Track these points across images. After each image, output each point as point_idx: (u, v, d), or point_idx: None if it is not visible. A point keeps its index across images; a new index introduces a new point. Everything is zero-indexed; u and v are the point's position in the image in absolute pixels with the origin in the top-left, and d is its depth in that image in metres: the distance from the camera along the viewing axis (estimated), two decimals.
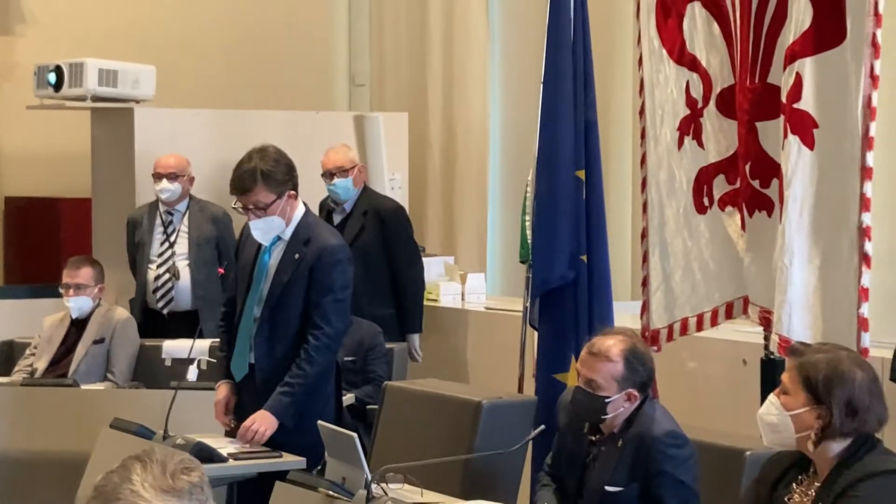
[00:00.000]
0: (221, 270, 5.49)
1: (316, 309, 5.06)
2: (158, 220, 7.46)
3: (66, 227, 9.11)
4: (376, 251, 7.19)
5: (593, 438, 4.38)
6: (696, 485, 4.25)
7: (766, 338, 4.98)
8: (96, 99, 8.36)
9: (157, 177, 7.40)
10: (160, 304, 7.39)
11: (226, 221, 7.49)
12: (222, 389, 5.26)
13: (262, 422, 4.97)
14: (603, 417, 4.29)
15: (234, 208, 5.19)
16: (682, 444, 4.25)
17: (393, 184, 8.96)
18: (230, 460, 4.89)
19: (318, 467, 4.56)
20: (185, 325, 7.26)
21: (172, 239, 7.42)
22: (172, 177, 7.37)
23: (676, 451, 4.23)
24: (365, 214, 7.28)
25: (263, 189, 5.06)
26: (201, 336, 6.04)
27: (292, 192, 5.13)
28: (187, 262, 7.40)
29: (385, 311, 7.20)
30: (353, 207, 7.30)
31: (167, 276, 7.39)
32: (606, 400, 4.28)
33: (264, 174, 5.05)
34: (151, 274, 7.41)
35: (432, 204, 9.48)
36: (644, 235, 5.48)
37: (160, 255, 7.43)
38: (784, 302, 4.60)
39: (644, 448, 4.23)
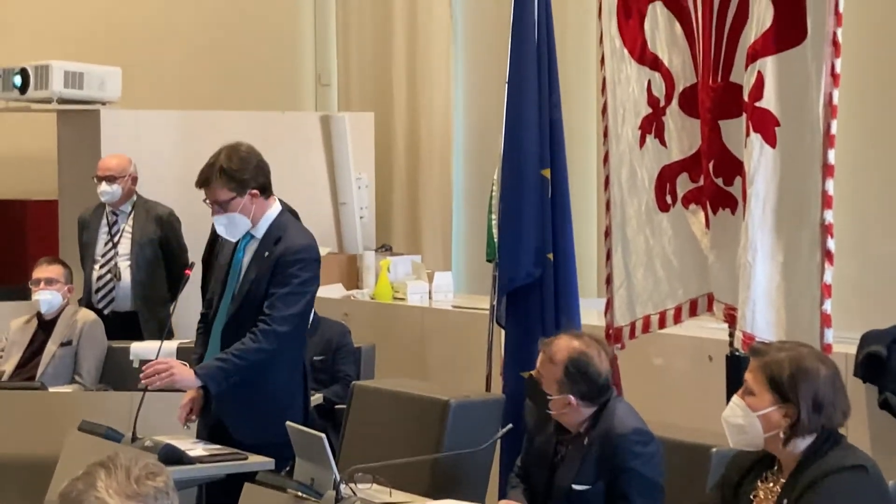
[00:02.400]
0: (188, 272, 5.45)
1: (272, 298, 5.06)
2: (104, 221, 7.48)
3: (33, 229, 9.09)
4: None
5: (560, 438, 4.41)
6: (662, 481, 4.28)
7: (731, 334, 5.01)
8: (62, 101, 8.35)
9: (98, 179, 7.41)
10: (101, 305, 7.40)
11: (171, 222, 7.50)
12: (189, 393, 5.22)
13: (177, 368, 4.98)
14: (547, 411, 4.37)
15: (204, 202, 5.19)
16: (647, 441, 4.28)
17: (359, 183, 8.98)
18: (198, 462, 4.89)
19: (287, 468, 4.56)
20: (126, 326, 7.27)
21: (116, 239, 7.43)
22: (111, 179, 7.37)
23: (642, 448, 4.26)
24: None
25: (221, 186, 5.05)
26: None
27: (254, 191, 5.11)
28: (129, 262, 7.40)
29: None
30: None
31: (109, 276, 7.40)
32: (548, 397, 4.36)
33: (223, 171, 5.04)
34: (95, 274, 7.42)
35: (398, 203, 9.50)
36: (607, 233, 5.50)
37: (104, 255, 7.44)
38: (748, 299, 4.63)
39: (610, 446, 4.26)
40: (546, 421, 4.46)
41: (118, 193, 7.40)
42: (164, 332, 5.78)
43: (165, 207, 7.55)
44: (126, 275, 7.40)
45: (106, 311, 7.36)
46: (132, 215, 7.46)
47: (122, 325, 7.26)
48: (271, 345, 5.03)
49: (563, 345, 4.38)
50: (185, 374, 5.00)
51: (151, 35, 9.81)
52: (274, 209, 5.18)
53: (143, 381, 4.99)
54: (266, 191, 5.15)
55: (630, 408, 4.40)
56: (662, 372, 6.23)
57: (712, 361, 5.78)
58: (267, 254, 5.11)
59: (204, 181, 5.08)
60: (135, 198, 7.50)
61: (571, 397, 4.32)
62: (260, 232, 5.15)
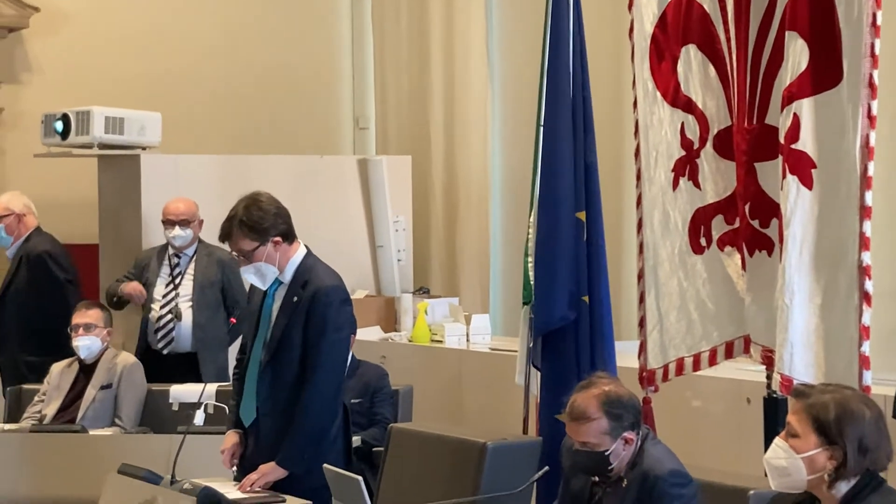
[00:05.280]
0: (233, 320, 5.47)
1: (310, 350, 5.08)
2: (166, 263, 7.55)
3: None
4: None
5: (596, 479, 4.40)
6: None
7: (769, 376, 5.00)
8: (103, 146, 8.43)
9: (169, 223, 7.49)
10: (160, 345, 7.49)
11: (232, 266, 7.54)
12: (229, 438, 5.24)
13: (267, 473, 5.00)
14: (610, 468, 4.32)
15: (230, 254, 5.25)
16: (685, 483, 4.26)
17: (397, 226, 9.02)
18: None
19: None
20: (184, 366, 7.33)
21: (178, 281, 7.50)
22: (184, 223, 7.46)
23: (680, 489, 4.24)
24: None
25: (241, 237, 5.08)
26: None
27: (277, 238, 5.12)
28: (190, 303, 7.48)
29: None
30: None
31: (169, 316, 7.47)
32: (607, 453, 4.30)
33: (242, 223, 5.06)
34: (154, 314, 7.49)
35: (436, 245, 9.53)
36: (640, 276, 5.50)
37: (164, 296, 7.51)
38: (785, 341, 4.62)
39: (648, 487, 4.24)
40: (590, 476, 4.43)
41: (190, 237, 7.51)
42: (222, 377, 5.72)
43: (226, 252, 7.51)
44: (187, 315, 7.48)
45: (165, 352, 7.45)
46: (195, 258, 7.55)
47: (180, 366, 7.34)
48: (324, 403, 5.05)
49: (586, 400, 4.32)
50: (273, 473, 5.03)
51: (191, 80, 9.92)
52: (299, 253, 5.20)
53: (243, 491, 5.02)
54: (289, 237, 5.16)
55: (668, 449, 4.39)
56: (700, 414, 6.22)
57: (750, 404, 5.76)
58: (296, 298, 5.12)
59: (226, 235, 5.12)
60: (198, 241, 7.57)
61: (626, 433, 4.31)
62: (287, 277, 5.17)
